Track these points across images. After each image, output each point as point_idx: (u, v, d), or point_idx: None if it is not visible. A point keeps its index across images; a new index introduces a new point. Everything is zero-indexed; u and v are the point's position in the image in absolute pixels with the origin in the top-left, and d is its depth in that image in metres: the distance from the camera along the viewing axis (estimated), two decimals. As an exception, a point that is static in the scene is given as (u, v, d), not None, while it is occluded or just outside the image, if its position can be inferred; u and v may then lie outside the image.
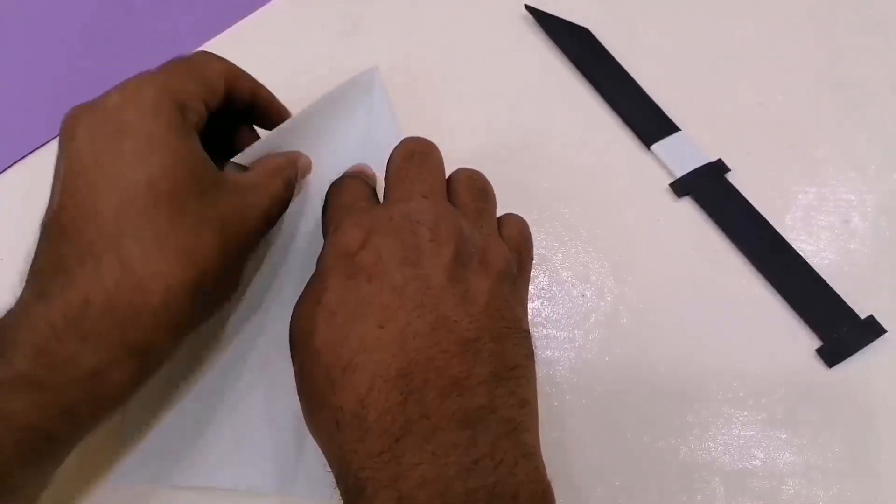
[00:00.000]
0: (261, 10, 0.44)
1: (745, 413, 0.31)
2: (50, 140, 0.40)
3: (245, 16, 0.44)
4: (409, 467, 0.22)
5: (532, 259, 0.30)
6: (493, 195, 0.30)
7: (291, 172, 0.31)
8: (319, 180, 0.35)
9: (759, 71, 0.40)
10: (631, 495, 0.29)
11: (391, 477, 0.22)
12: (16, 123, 0.40)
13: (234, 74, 0.31)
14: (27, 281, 0.26)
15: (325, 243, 0.27)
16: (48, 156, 0.39)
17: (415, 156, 0.30)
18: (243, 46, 0.43)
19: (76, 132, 0.27)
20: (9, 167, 0.39)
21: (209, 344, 0.32)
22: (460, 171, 0.31)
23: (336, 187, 0.30)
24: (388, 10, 0.44)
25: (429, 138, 0.38)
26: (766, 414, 0.31)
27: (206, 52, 0.31)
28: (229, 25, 0.43)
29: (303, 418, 0.29)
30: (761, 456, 0.30)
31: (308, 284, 0.27)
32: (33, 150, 0.39)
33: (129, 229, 0.25)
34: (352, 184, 0.30)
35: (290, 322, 0.26)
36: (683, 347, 0.32)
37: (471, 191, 0.30)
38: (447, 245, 0.26)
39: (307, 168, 0.33)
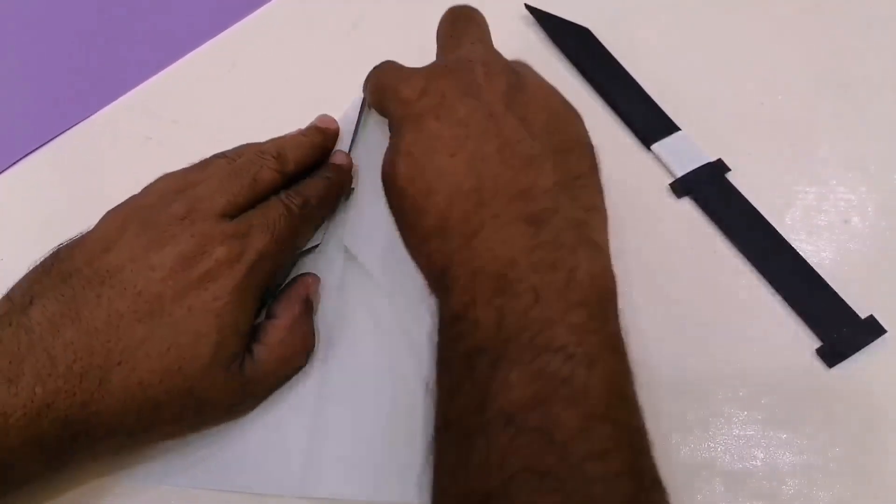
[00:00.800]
0: (261, 9, 0.44)
1: (745, 413, 0.31)
2: (50, 140, 0.40)
3: (245, 16, 0.44)
4: (483, 251, 0.26)
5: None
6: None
7: (304, 328, 0.31)
8: None
9: (759, 71, 0.40)
10: (631, 495, 0.29)
11: (467, 258, 0.26)
12: (16, 123, 0.40)
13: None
14: None
15: (386, 106, 0.31)
16: (48, 156, 0.39)
17: (459, 17, 0.33)
18: (243, 46, 0.43)
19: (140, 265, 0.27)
20: (9, 167, 0.39)
21: None
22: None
23: (376, 69, 0.33)
24: (388, 10, 0.44)
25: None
26: (766, 414, 0.31)
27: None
28: (229, 25, 0.43)
29: (314, 417, 0.31)
30: (761, 456, 0.30)
31: (388, 144, 0.30)
32: (33, 150, 0.39)
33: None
34: (389, 62, 0.33)
35: (381, 179, 0.30)
36: (683, 347, 0.32)
37: (514, 59, 0.32)
38: (501, 76, 0.29)
39: (317, 293, 0.33)
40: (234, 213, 0.29)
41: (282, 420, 0.31)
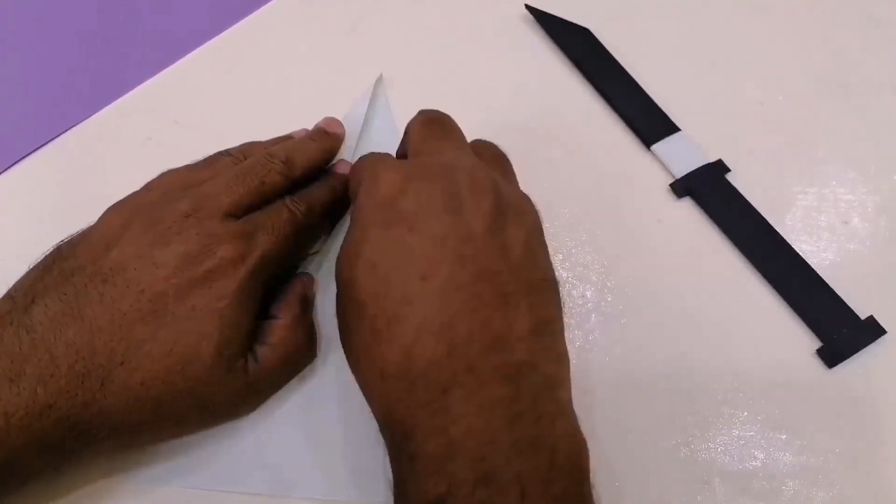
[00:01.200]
0: (261, 9, 0.44)
1: (745, 413, 0.31)
2: (50, 140, 0.40)
3: (245, 16, 0.44)
4: (458, 417, 0.23)
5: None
6: (512, 167, 0.31)
7: (305, 326, 0.31)
8: None
9: (759, 71, 0.40)
10: (631, 496, 0.29)
11: (441, 425, 0.23)
12: (16, 124, 0.40)
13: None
14: None
15: (358, 195, 0.27)
16: (49, 156, 0.39)
17: (435, 121, 0.30)
18: (243, 46, 0.43)
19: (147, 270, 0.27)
20: (9, 167, 0.39)
21: None
22: (480, 140, 0.32)
23: (360, 159, 0.30)
24: (388, 10, 0.43)
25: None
26: (766, 414, 0.31)
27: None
28: (229, 25, 0.43)
29: (309, 420, 0.30)
30: (761, 456, 0.30)
31: (346, 236, 0.27)
32: (34, 151, 0.39)
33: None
34: (374, 153, 0.30)
35: (335, 275, 0.27)
36: (683, 348, 0.32)
37: (494, 156, 0.31)
38: (486, 194, 0.26)
39: (314, 291, 0.33)
40: (238, 213, 0.29)
41: (282, 421, 0.31)
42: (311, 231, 0.32)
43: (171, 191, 0.29)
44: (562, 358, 0.26)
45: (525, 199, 0.28)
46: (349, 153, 0.37)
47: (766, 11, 0.42)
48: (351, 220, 0.27)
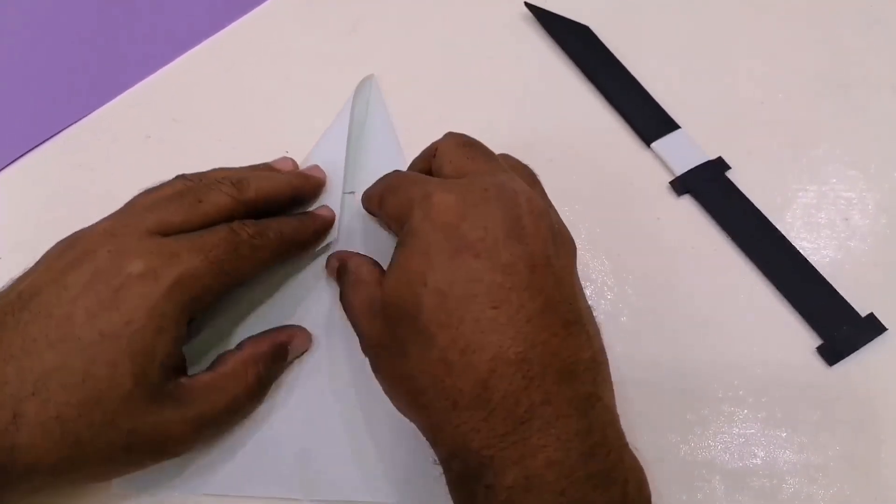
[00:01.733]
0: (260, 8, 0.44)
1: (746, 411, 0.31)
2: (50, 138, 0.40)
3: (244, 15, 0.44)
4: (536, 449, 0.22)
5: None
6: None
7: (259, 368, 0.29)
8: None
9: (759, 69, 0.40)
10: (631, 493, 0.29)
11: (519, 456, 0.22)
12: (15, 122, 0.40)
13: (283, 256, 0.31)
14: None
15: (412, 217, 0.26)
16: (48, 154, 0.39)
17: (471, 143, 0.29)
18: (242, 46, 0.43)
19: (72, 267, 0.26)
20: (8, 165, 0.39)
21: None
22: (507, 157, 0.31)
23: (389, 175, 0.29)
24: (388, 10, 0.43)
25: (429, 138, 0.39)
26: (766, 412, 0.30)
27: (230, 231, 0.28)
28: (228, 24, 0.43)
29: (310, 420, 0.30)
30: (761, 454, 0.30)
31: (402, 258, 0.25)
32: (33, 149, 0.39)
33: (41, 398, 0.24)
34: (405, 171, 0.30)
35: (386, 303, 0.25)
36: (683, 346, 0.32)
37: (528, 175, 0.30)
38: (545, 219, 0.26)
39: (301, 346, 0.32)
40: (167, 232, 0.27)
41: (281, 423, 0.31)
42: (260, 255, 0.29)
43: (112, 216, 0.28)
44: (612, 388, 0.26)
45: (564, 224, 0.28)
46: (340, 158, 0.36)
47: (767, 10, 0.42)
48: (404, 243, 0.26)
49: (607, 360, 0.26)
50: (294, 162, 0.35)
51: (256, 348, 0.30)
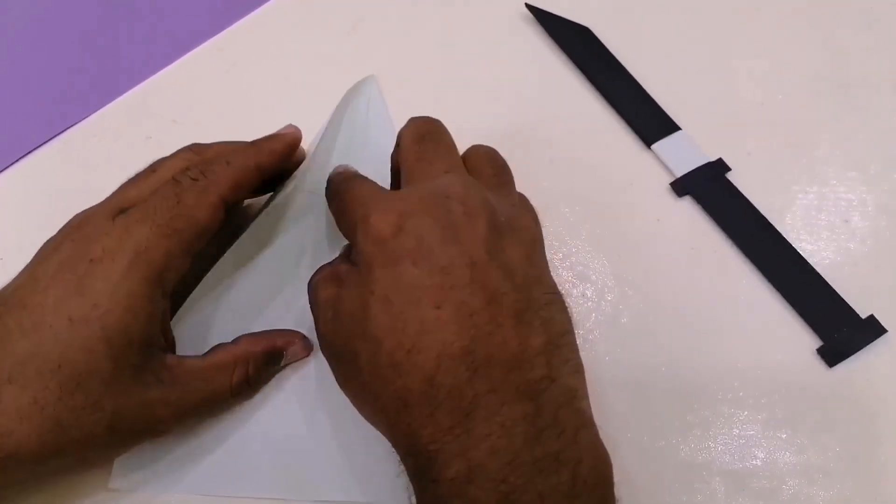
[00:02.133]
0: (260, 9, 0.44)
1: (746, 413, 0.31)
2: (50, 139, 0.40)
3: (245, 15, 0.44)
4: (480, 438, 0.23)
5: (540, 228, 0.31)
6: (510, 171, 0.31)
7: (249, 368, 0.29)
8: (315, 184, 0.35)
9: (759, 70, 0.40)
10: (631, 495, 0.29)
11: (462, 448, 0.23)
12: (16, 123, 0.40)
13: (240, 186, 0.29)
14: None
15: (354, 236, 0.27)
16: (48, 155, 0.39)
17: (426, 136, 0.30)
18: (244, 46, 0.43)
19: (56, 250, 0.27)
20: (9, 166, 0.39)
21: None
22: (477, 147, 0.31)
23: (344, 184, 0.29)
24: (388, 10, 0.43)
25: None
26: (766, 414, 0.31)
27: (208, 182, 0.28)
28: (230, 24, 0.43)
29: (309, 420, 0.30)
30: (762, 456, 0.30)
31: (351, 274, 0.27)
32: (33, 150, 0.39)
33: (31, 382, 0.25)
34: (358, 180, 0.30)
35: (336, 318, 0.26)
36: (683, 347, 0.32)
37: (492, 165, 0.30)
38: (480, 217, 0.26)
39: (297, 353, 0.32)
40: (126, 209, 0.27)
41: (286, 422, 0.31)
42: (207, 198, 0.28)
43: (86, 210, 0.29)
44: (579, 368, 0.26)
45: (520, 212, 0.28)
46: (338, 155, 0.36)
47: (767, 10, 0.42)
48: (353, 261, 0.27)
49: (572, 340, 0.26)
50: (298, 130, 0.34)
51: (251, 347, 0.30)
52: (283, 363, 0.31)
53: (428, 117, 0.31)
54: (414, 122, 0.31)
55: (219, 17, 0.43)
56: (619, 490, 0.29)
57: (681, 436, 0.30)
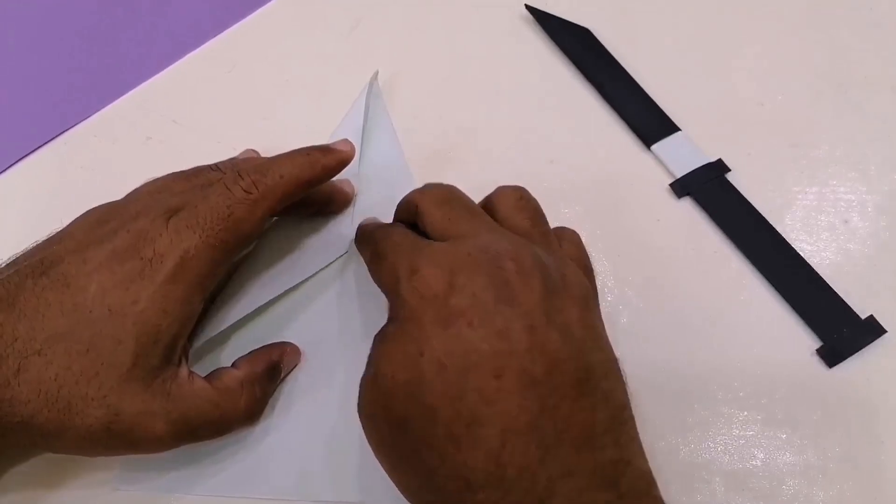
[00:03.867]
0: (261, 9, 0.44)
1: (745, 413, 0.31)
2: (50, 140, 0.40)
3: (245, 16, 0.44)
4: None
5: (593, 273, 0.29)
6: (544, 214, 0.29)
7: (255, 390, 0.29)
8: None
9: (759, 71, 0.40)
10: (631, 495, 0.29)
11: None
12: (16, 123, 0.40)
13: (288, 199, 0.29)
14: None
15: (397, 288, 0.25)
16: (48, 156, 0.39)
17: (455, 199, 0.28)
18: (244, 46, 0.43)
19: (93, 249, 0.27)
20: (9, 167, 0.39)
21: (219, 352, 0.32)
22: (505, 192, 0.29)
23: (380, 231, 0.28)
24: (388, 10, 0.44)
25: (428, 138, 0.39)
26: (766, 414, 0.31)
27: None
28: (230, 25, 0.43)
29: (309, 421, 0.30)
30: (761, 456, 0.30)
31: (390, 335, 0.25)
32: (33, 151, 0.39)
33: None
34: (398, 228, 0.28)
35: (377, 378, 0.24)
36: (683, 347, 0.32)
37: (528, 214, 0.28)
38: (534, 276, 0.24)
39: (292, 356, 0.32)
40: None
41: (277, 425, 0.31)
42: (261, 209, 0.28)
43: (142, 196, 0.29)
44: (641, 445, 0.24)
45: (568, 265, 0.26)
46: (352, 165, 0.36)
47: (766, 11, 0.42)
48: (395, 317, 0.25)
49: (631, 415, 0.24)
50: (352, 147, 0.33)
51: (253, 368, 0.30)
52: (281, 375, 0.31)
53: (442, 185, 0.29)
54: (430, 188, 0.29)
55: (219, 18, 0.43)
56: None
57: (681, 436, 0.30)
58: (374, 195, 0.35)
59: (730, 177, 0.36)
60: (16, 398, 0.24)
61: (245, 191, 0.28)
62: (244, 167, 0.29)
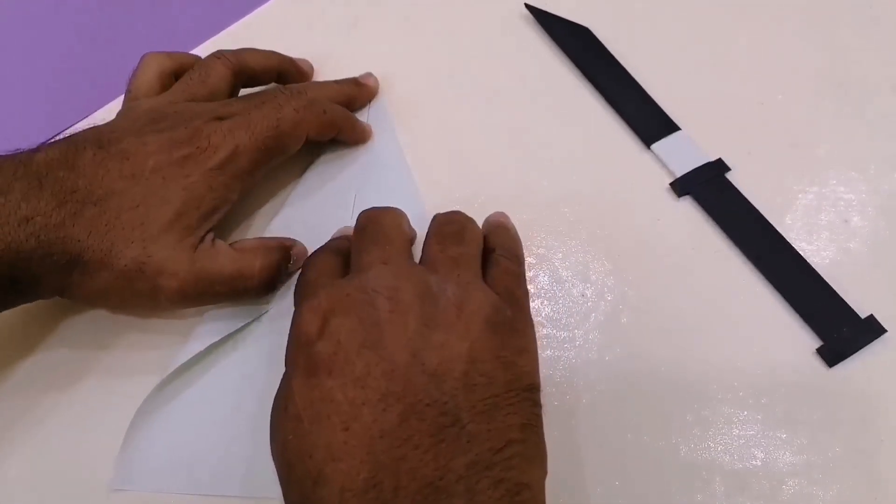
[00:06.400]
0: (260, 8, 0.44)
1: (745, 413, 0.31)
2: (48, 140, 0.39)
3: (245, 15, 0.44)
4: None
5: (522, 287, 0.29)
6: (473, 234, 0.29)
7: (271, 258, 0.32)
8: (318, 190, 0.35)
9: (759, 70, 0.40)
10: (631, 495, 0.29)
11: None
12: (15, 124, 0.40)
13: (325, 133, 0.36)
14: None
15: (291, 327, 0.26)
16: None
17: (366, 226, 0.29)
18: (243, 45, 0.43)
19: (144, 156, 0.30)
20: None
21: (216, 355, 0.32)
22: (434, 220, 0.29)
23: (307, 261, 0.30)
24: (388, 10, 0.44)
25: (428, 138, 0.39)
26: (766, 414, 0.31)
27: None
28: (229, 24, 0.43)
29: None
30: (761, 456, 0.30)
31: (279, 388, 0.25)
32: (33, 150, 0.39)
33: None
34: (320, 258, 0.29)
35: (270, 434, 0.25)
36: (683, 347, 0.32)
37: (441, 239, 0.28)
38: (410, 312, 0.24)
39: (301, 254, 0.34)
40: (225, 116, 0.32)
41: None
42: (304, 132, 0.34)
43: (186, 105, 0.33)
44: (525, 487, 0.22)
45: (476, 292, 0.25)
46: (353, 165, 0.37)
47: (767, 11, 0.42)
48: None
49: (521, 451, 0.22)
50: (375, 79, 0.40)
51: (267, 241, 0.33)
52: (291, 263, 0.33)
53: (370, 209, 0.30)
54: (362, 213, 0.30)
55: (220, 16, 0.43)
56: (620, 490, 0.29)
57: (681, 436, 0.30)
58: (375, 197, 0.35)
59: (730, 176, 0.36)
60: (69, 236, 0.28)
61: (294, 110, 0.33)
62: (298, 91, 0.34)
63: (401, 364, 0.23)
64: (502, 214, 0.32)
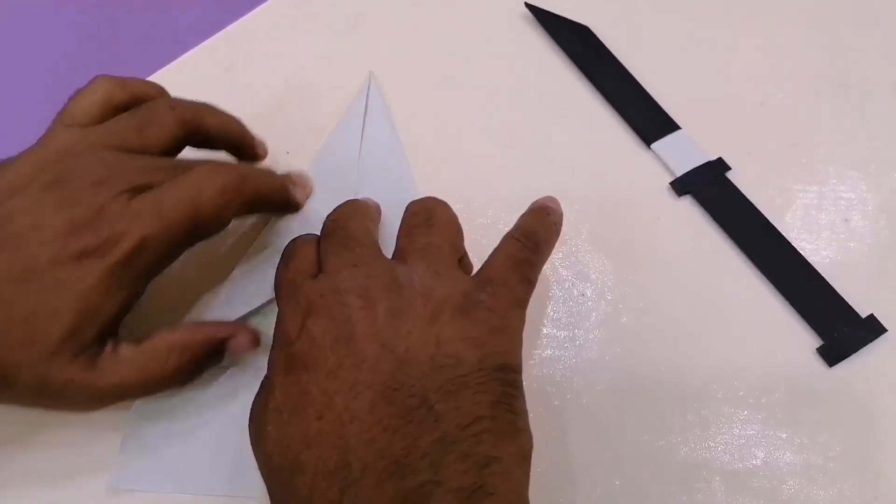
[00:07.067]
0: (260, 8, 0.44)
1: (746, 412, 0.31)
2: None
3: (244, 14, 0.44)
4: None
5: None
6: (442, 219, 0.29)
7: (185, 357, 0.28)
8: (320, 191, 0.36)
9: (759, 70, 0.40)
10: (631, 495, 0.29)
11: None
12: (14, 124, 0.40)
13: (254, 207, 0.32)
14: None
15: (276, 325, 0.26)
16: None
17: (333, 231, 0.29)
18: (242, 45, 0.43)
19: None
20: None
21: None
22: (405, 210, 0.29)
23: (283, 258, 0.29)
24: (388, 9, 0.43)
25: (428, 138, 0.39)
26: (766, 413, 0.30)
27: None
28: (228, 24, 0.43)
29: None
30: (761, 455, 0.30)
31: (260, 386, 0.26)
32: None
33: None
34: (299, 253, 0.28)
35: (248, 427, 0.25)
36: (683, 347, 0.32)
37: (409, 231, 0.28)
38: (379, 304, 0.24)
39: (243, 347, 0.30)
40: (148, 186, 0.28)
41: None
42: (226, 218, 0.29)
43: (98, 147, 0.29)
44: (494, 460, 0.22)
45: (446, 279, 0.26)
46: (353, 164, 0.37)
47: (766, 10, 0.42)
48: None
49: (488, 427, 0.23)
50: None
51: (192, 336, 0.29)
52: (226, 356, 0.30)
53: (337, 209, 0.30)
54: (328, 217, 0.29)
55: (218, 16, 0.43)
56: (619, 490, 0.29)
57: (681, 436, 0.30)
58: (375, 196, 0.35)
59: (730, 175, 0.36)
60: None
61: (221, 191, 0.28)
62: (223, 166, 0.29)
63: (370, 355, 0.23)
64: (550, 198, 0.31)
